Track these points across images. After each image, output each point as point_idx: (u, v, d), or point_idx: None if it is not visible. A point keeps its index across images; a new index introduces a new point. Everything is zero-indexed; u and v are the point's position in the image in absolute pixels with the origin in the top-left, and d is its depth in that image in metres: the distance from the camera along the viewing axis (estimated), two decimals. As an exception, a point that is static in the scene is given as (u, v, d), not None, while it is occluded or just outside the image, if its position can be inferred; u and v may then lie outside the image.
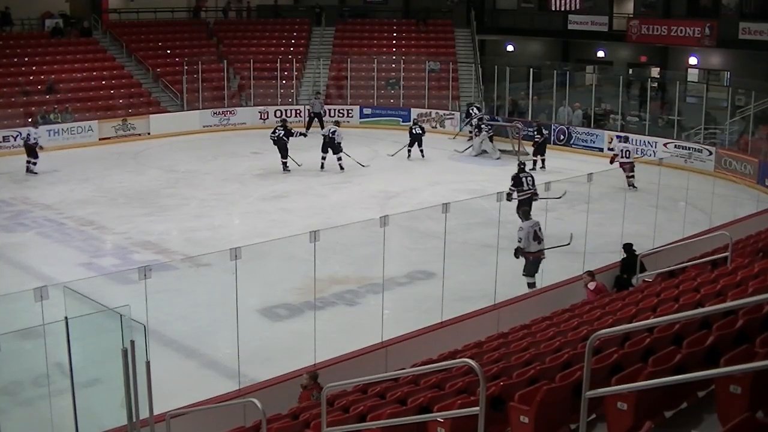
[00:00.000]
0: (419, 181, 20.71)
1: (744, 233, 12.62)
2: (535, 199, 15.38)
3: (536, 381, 6.01)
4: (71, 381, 7.10)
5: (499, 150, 23.81)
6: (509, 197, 15.39)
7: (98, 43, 29.57)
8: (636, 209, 15.32)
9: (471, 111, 25.74)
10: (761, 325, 5.94)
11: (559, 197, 15.92)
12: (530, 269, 12.61)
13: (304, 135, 22.83)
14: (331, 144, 21.58)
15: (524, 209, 13.70)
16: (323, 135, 22.02)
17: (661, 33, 28.65)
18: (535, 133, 22.67)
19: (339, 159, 21.60)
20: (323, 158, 21.70)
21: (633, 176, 19.05)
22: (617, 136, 22.66)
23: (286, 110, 28.72)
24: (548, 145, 23.86)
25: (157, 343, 9.27)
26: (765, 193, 19.42)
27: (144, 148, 25.04)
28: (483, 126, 23.85)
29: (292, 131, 21.87)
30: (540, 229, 12.63)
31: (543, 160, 22.40)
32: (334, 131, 21.71)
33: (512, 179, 16.06)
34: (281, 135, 21.37)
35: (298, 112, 28.87)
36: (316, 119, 27.05)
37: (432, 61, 29.91)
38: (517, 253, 12.51)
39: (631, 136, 23.96)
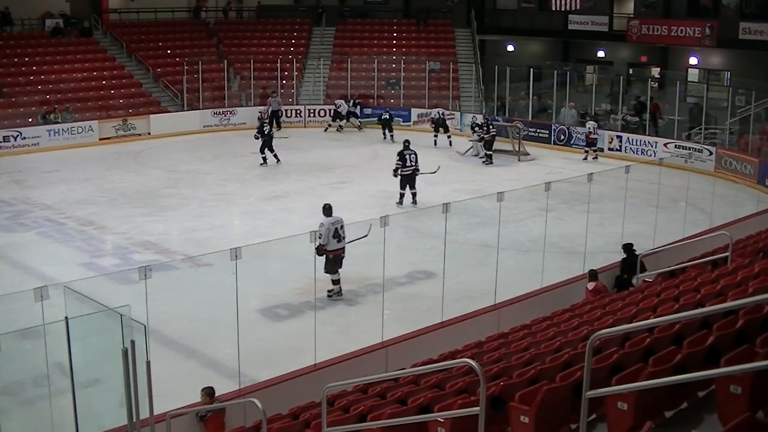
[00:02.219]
0: (419, 181, 20.63)
1: (744, 233, 12.62)
2: (417, 174, 17.73)
3: (536, 381, 6.01)
4: (71, 381, 7.10)
5: (500, 150, 23.81)
6: (395, 173, 17.70)
7: (98, 43, 29.58)
8: (636, 209, 15.33)
9: (348, 104, 27.99)
10: (761, 325, 5.94)
11: (434, 171, 18.61)
12: (330, 267, 12.39)
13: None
14: (443, 124, 25.23)
15: (409, 186, 17.25)
16: (432, 118, 25.79)
17: (661, 33, 28.64)
18: (488, 127, 23.01)
19: (449, 137, 25.07)
20: (435, 136, 25.18)
21: (596, 151, 23.47)
22: (588, 117, 24.89)
23: (286, 110, 28.75)
24: (548, 145, 24.42)
25: (157, 343, 9.27)
26: (765, 193, 19.41)
27: (144, 148, 25.04)
28: (476, 129, 23.85)
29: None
30: (342, 227, 12.41)
31: (490, 155, 22.87)
32: (442, 111, 25.73)
33: (398, 155, 17.78)
34: (269, 131, 22.38)
35: (298, 112, 28.90)
36: (274, 118, 27.27)
37: (432, 61, 29.92)
38: (319, 250, 11.88)
39: (631, 136, 24.22)
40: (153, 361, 6.49)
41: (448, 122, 25.94)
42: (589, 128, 23.68)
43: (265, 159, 22.05)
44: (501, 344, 8.47)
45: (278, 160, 22.19)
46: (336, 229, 12.32)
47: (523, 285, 12.04)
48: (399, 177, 17.67)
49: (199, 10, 33.35)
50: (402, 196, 17.80)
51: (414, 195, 17.80)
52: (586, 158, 23.46)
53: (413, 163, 17.64)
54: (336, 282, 12.55)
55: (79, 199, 18.70)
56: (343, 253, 12.51)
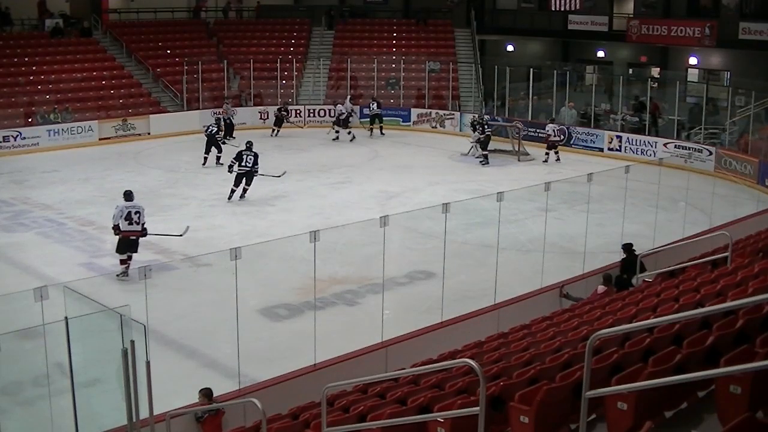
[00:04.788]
0: (419, 181, 20.72)
1: (744, 233, 12.61)
2: (256, 175, 18.45)
3: (536, 381, 6.01)
4: (71, 381, 7.10)
5: (500, 150, 23.83)
6: (230, 169, 18.55)
7: (98, 43, 29.58)
8: (636, 209, 15.32)
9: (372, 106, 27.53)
10: (761, 325, 5.94)
11: (279, 175, 19.34)
12: (118, 247, 13.44)
13: (224, 142, 22.75)
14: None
15: (244, 182, 18.28)
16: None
17: (661, 33, 28.64)
18: (483, 127, 23.16)
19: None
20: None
21: (557, 152, 23.50)
22: (551, 120, 25.08)
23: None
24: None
25: (157, 343, 9.27)
26: (765, 193, 19.42)
27: (144, 148, 25.04)
28: (478, 127, 23.83)
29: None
30: (137, 212, 13.35)
31: (486, 156, 23.00)
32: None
33: (236, 153, 18.55)
34: (213, 132, 22.29)
35: (298, 112, 28.88)
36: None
37: (432, 61, 29.92)
38: (114, 230, 13.38)
39: (630, 136, 24.27)
40: (153, 361, 6.49)
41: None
42: (549, 130, 23.67)
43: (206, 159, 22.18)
44: (501, 344, 8.47)
45: (204, 163, 22.15)
46: (129, 212, 13.33)
47: (523, 285, 12.05)
48: (235, 174, 18.41)
49: (198, 10, 33.35)
50: (233, 191, 18.49)
51: (245, 191, 18.54)
52: (546, 160, 23.32)
53: (248, 165, 18.36)
54: (123, 262, 13.36)
55: (79, 199, 18.69)
56: (133, 236, 13.37)
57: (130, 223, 13.33)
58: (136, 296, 7.82)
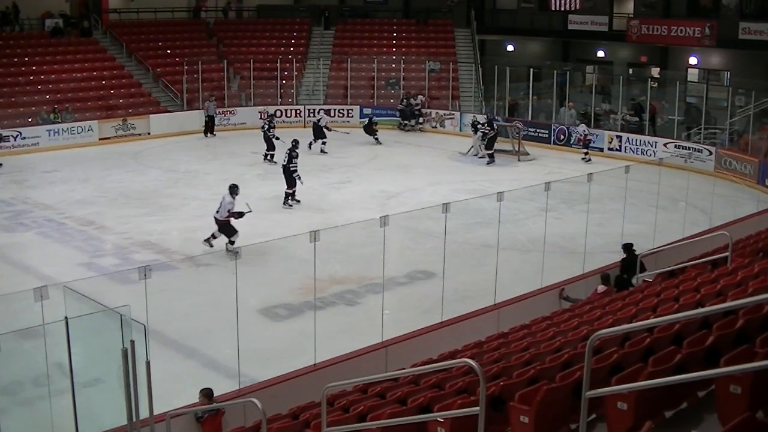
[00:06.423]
0: (419, 181, 20.71)
1: (744, 233, 12.62)
2: (295, 175, 17.86)
3: (536, 381, 6.01)
4: (71, 381, 7.10)
5: (500, 150, 23.82)
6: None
7: (98, 43, 29.58)
8: (636, 209, 15.32)
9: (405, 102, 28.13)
10: (761, 325, 5.94)
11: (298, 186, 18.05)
12: None
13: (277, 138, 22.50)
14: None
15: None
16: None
17: (661, 33, 28.65)
18: (487, 127, 23.25)
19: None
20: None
21: (588, 152, 23.64)
22: (578, 121, 25.17)
23: (286, 110, 28.73)
24: (548, 145, 24.60)
25: (157, 343, 9.26)
26: (765, 193, 19.42)
27: (144, 148, 25.03)
28: (479, 126, 23.81)
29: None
30: (221, 204, 14.64)
31: (491, 155, 23.05)
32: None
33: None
34: (266, 128, 22.70)
35: (297, 112, 28.88)
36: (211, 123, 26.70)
37: (432, 61, 29.92)
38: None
39: (630, 136, 24.30)
40: (153, 361, 6.50)
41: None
42: (581, 131, 24.06)
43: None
44: (501, 344, 8.47)
45: (271, 158, 22.37)
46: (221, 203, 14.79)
47: (523, 285, 12.04)
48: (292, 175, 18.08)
49: (199, 10, 33.35)
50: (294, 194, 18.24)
51: (287, 195, 18.18)
52: (589, 159, 23.35)
53: (284, 161, 18.27)
54: (213, 236, 14.84)
55: (79, 199, 18.69)
56: (215, 221, 14.80)
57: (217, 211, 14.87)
58: (136, 296, 7.82)
